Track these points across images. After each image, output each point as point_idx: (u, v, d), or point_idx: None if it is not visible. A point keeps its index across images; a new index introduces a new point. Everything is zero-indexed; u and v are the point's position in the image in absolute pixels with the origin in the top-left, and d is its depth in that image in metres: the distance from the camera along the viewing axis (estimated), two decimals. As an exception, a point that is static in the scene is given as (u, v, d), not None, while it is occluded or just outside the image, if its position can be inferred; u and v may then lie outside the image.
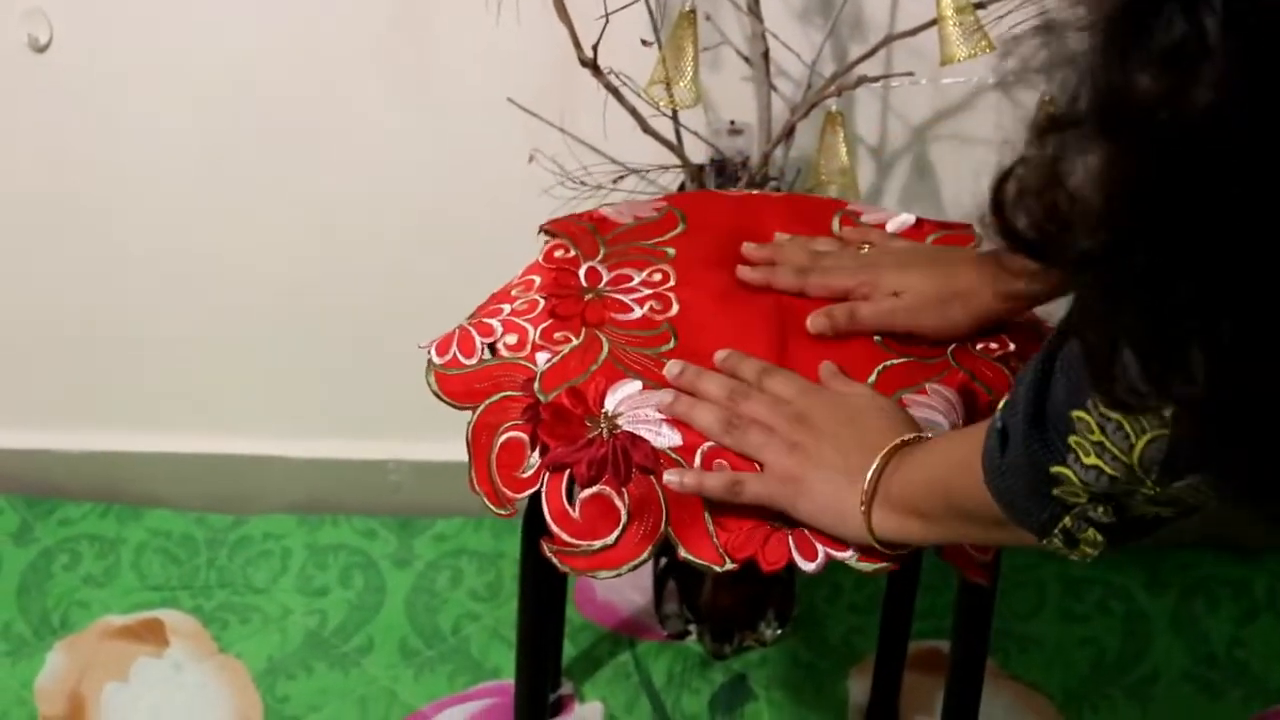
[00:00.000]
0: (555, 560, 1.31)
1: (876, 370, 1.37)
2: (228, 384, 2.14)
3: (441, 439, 2.07)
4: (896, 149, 1.90)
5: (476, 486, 1.36)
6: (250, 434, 2.17)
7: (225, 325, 2.09)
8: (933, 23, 1.61)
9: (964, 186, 1.90)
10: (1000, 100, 1.83)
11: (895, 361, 1.39)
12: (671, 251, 1.51)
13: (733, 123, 1.81)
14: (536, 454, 1.34)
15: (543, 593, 1.59)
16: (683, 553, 1.30)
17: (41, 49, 1.86)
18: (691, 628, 2.02)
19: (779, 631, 2.01)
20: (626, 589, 2.09)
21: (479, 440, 1.37)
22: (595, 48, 1.63)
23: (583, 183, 1.77)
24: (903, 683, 1.92)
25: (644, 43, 1.66)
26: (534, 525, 1.37)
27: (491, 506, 1.36)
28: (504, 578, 2.10)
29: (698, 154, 1.78)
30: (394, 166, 1.94)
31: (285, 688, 1.96)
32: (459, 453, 2.00)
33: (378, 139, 1.92)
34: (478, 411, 1.38)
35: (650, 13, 1.67)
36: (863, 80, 1.67)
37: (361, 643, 2.02)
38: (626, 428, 1.32)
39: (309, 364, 2.12)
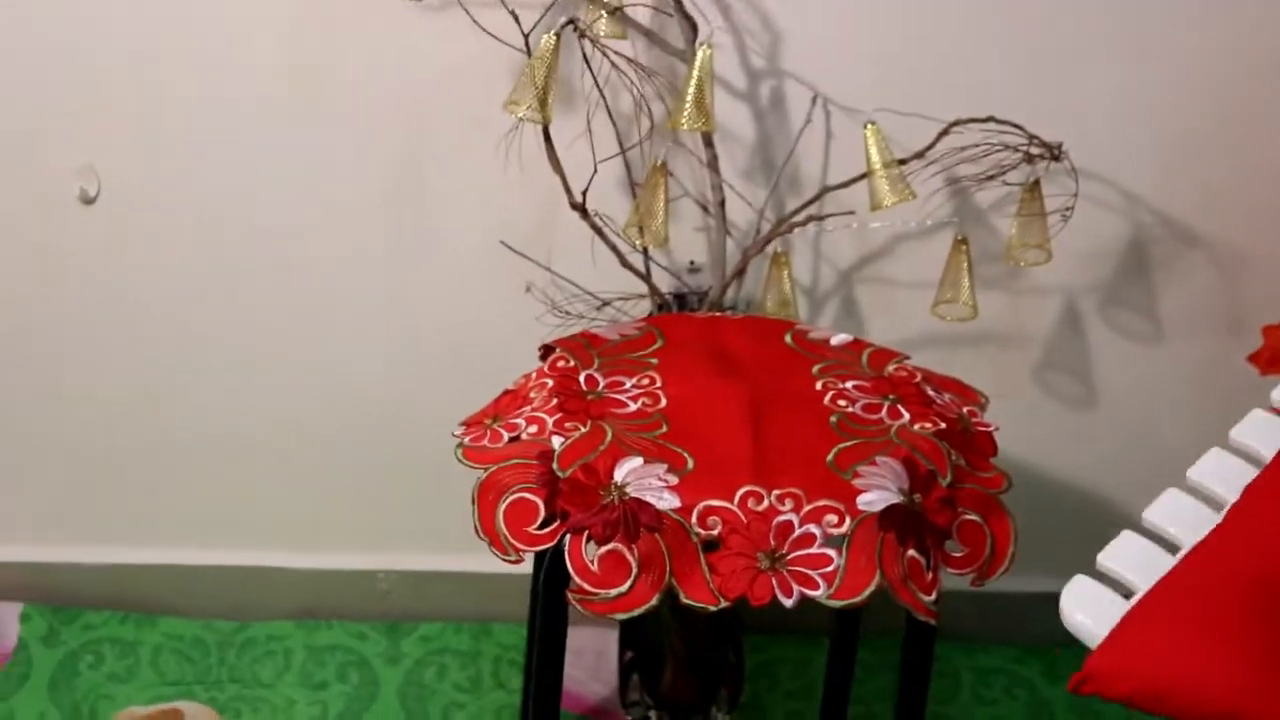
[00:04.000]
0: (579, 606, 1.59)
1: (834, 450, 1.67)
2: (233, 503, 2.41)
3: (426, 550, 2.37)
4: (827, 289, 2.21)
5: (481, 533, 1.64)
6: (253, 547, 2.43)
7: (233, 452, 2.37)
8: (863, 176, 1.93)
9: (886, 321, 2.22)
10: (916, 245, 2.15)
11: (848, 444, 1.69)
12: (655, 360, 1.82)
13: (692, 262, 2.13)
14: (551, 518, 1.63)
15: (554, 639, 1.85)
16: (684, 598, 1.59)
17: (90, 201, 2.15)
18: (652, 713, 2.28)
19: (729, 715, 2.28)
20: (589, 681, 2.36)
21: (484, 496, 1.65)
22: (584, 193, 1.95)
23: (567, 312, 2.08)
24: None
25: (633, 185, 1.98)
26: (554, 579, 1.65)
27: (497, 553, 1.64)
28: (483, 673, 2.36)
29: (664, 288, 2.09)
30: (401, 302, 2.23)
31: (297, 767, 2.22)
32: (442, 563, 2.30)
33: (385, 277, 2.22)
34: (489, 471, 1.66)
35: (625, 161, 2.00)
36: (810, 219, 1.99)
37: (361, 728, 2.28)
38: (634, 494, 1.61)
39: (307, 484, 2.39)
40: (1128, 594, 1.64)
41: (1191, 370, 2.21)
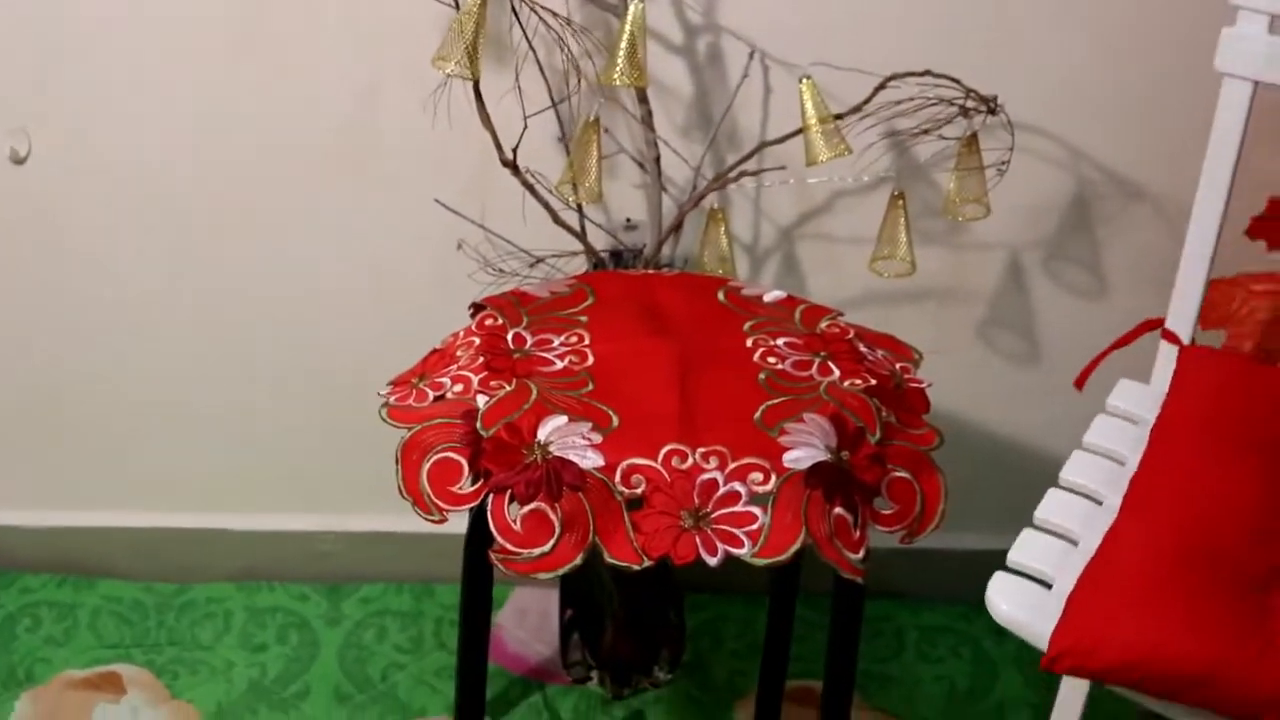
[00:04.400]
0: (501, 566, 1.58)
1: (761, 407, 1.66)
2: (172, 465, 2.38)
3: (367, 512, 2.36)
4: (767, 245, 2.19)
5: (405, 493, 1.62)
6: (193, 510, 2.41)
7: (169, 411, 2.34)
8: (799, 131, 1.91)
9: (826, 277, 2.20)
10: (855, 201, 2.13)
11: (776, 400, 1.67)
12: (584, 318, 1.80)
13: (629, 219, 2.11)
14: (475, 477, 1.61)
15: (480, 601, 1.84)
16: (608, 557, 1.57)
17: (20, 161, 2.12)
18: (593, 673, 2.27)
19: (671, 675, 2.27)
20: (533, 641, 2.34)
21: (408, 456, 1.64)
22: (515, 150, 1.92)
23: (501, 270, 2.06)
24: (782, 714, 2.19)
25: (558, 139, 1.96)
26: (477, 538, 1.64)
27: (420, 513, 1.63)
28: (424, 634, 2.35)
29: (600, 246, 2.07)
30: (334, 261, 2.21)
31: (234, 729, 2.20)
32: (383, 524, 2.28)
33: (322, 236, 2.19)
34: (413, 430, 1.65)
35: (558, 117, 1.97)
36: (742, 174, 1.97)
37: (299, 690, 2.25)
38: (557, 453, 1.59)
39: (246, 445, 2.37)
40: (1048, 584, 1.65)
41: (1134, 323, 2.19)
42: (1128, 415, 1.86)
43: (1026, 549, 1.69)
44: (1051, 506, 1.74)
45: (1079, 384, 1.97)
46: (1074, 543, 1.68)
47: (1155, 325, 1.94)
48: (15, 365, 2.31)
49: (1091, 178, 2.15)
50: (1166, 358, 1.92)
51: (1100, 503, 1.74)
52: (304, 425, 2.33)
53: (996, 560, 2.40)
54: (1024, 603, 1.63)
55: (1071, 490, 1.77)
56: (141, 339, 2.29)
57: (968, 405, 2.32)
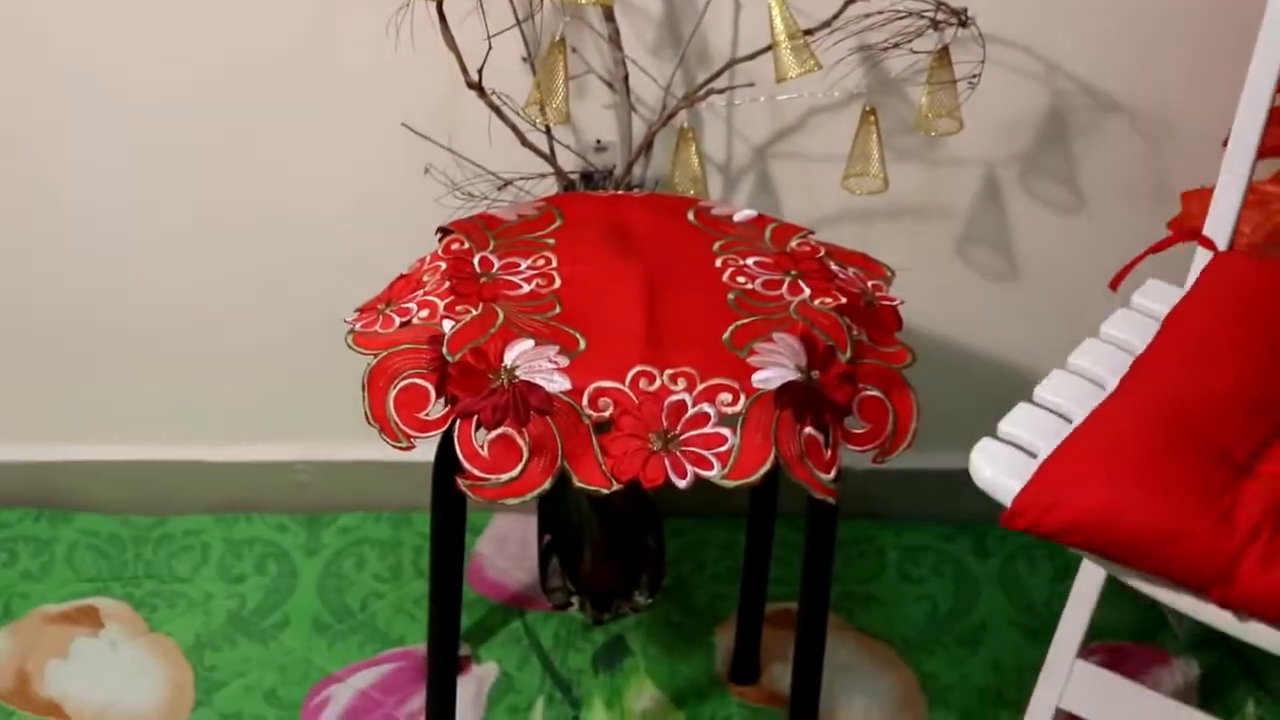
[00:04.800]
0: (469, 493, 1.57)
1: (730, 327, 1.64)
2: (146, 396, 2.37)
3: (344, 441, 2.34)
4: (741, 165, 2.17)
5: (372, 420, 1.61)
6: (168, 442, 2.40)
7: (143, 342, 2.32)
8: (768, 48, 1.89)
9: (800, 196, 2.18)
10: (829, 118, 2.11)
11: (745, 320, 1.65)
12: (552, 241, 1.78)
13: (599, 141, 2.09)
14: (443, 403, 1.60)
15: (451, 529, 1.82)
16: (576, 481, 1.56)
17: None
18: (574, 599, 2.26)
19: (651, 599, 2.26)
20: (513, 569, 2.34)
21: (375, 382, 1.62)
22: (480, 71, 1.90)
23: (470, 194, 2.04)
24: (762, 638, 2.19)
25: (524, 59, 1.93)
26: (445, 464, 1.62)
27: (388, 439, 1.61)
28: (403, 563, 2.34)
29: (570, 168, 2.05)
30: (302, 184, 2.19)
31: (213, 659, 2.18)
32: (361, 453, 2.27)
33: (289, 161, 2.17)
34: (379, 356, 1.63)
35: (524, 38, 1.95)
36: (710, 92, 1.95)
37: (278, 620, 2.25)
38: (524, 377, 1.57)
39: (220, 375, 2.35)
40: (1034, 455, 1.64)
41: (1115, 239, 2.17)
42: (1150, 313, 1.84)
43: (1018, 421, 1.69)
44: (1051, 384, 1.74)
45: (1114, 285, 1.93)
46: (1069, 420, 1.67)
47: (1194, 235, 1.92)
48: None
49: (1066, 90, 2.13)
50: (1200, 264, 1.90)
51: (1103, 387, 1.73)
52: (279, 355, 2.32)
53: (977, 479, 2.40)
54: (1006, 469, 1.63)
55: (1074, 373, 1.76)
56: (114, 272, 2.27)
57: (946, 323, 2.30)
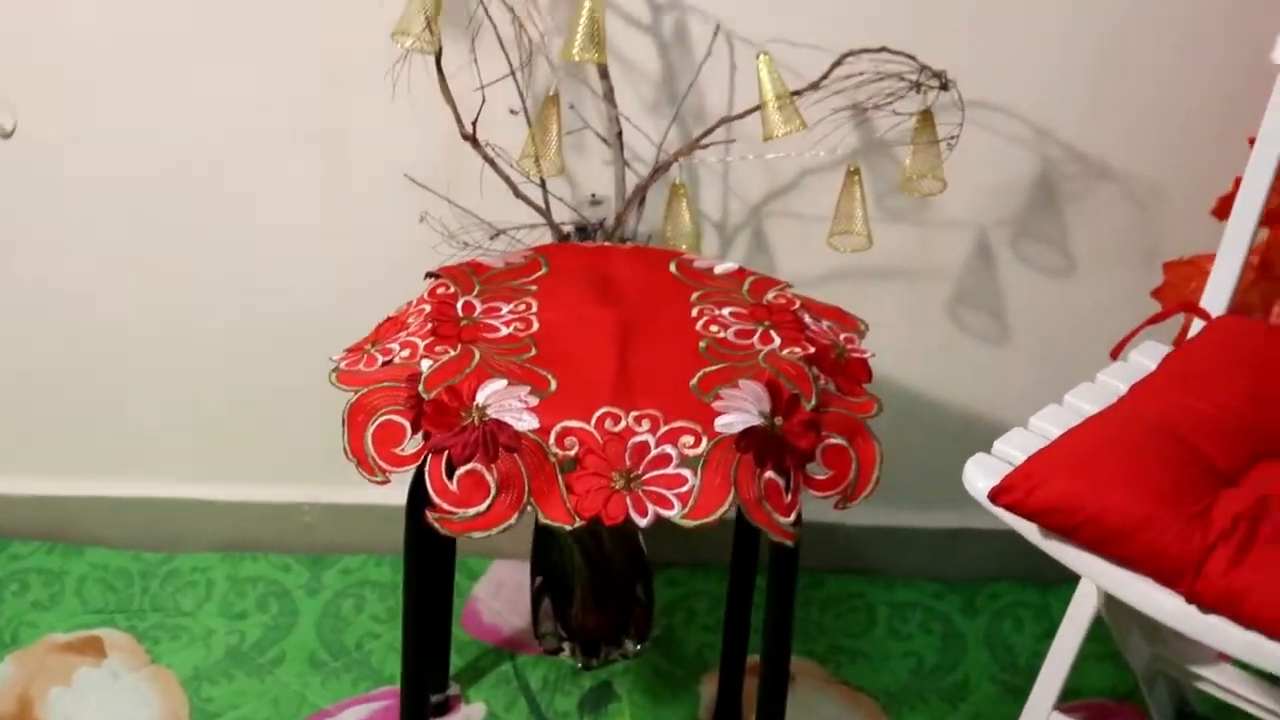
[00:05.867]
0: (437, 526, 1.62)
1: (699, 373, 1.69)
2: (159, 436, 2.44)
3: (350, 484, 2.37)
4: (737, 223, 2.23)
5: (350, 454, 1.67)
6: (179, 480, 2.46)
7: (157, 385, 2.40)
8: (758, 108, 1.94)
9: (794, 254, 2.23)
10: (823, 178, 2.16)
11: (713, 368, 1.70)
12: (534, 288, 1.84)
13: (594, 195, 2.15)
14: (418, 439, 1.65)
15: (424, 560, 1.88)
16: (542, 517, 1.61)
17: (7, 135, 2.18)
18: (565, 644, 2.30)
19: (640, 647, 2.30)
20: (508, 614, 2.39)
21: (354, 418, 1.68)
22: (474, 124, 1.96)
23: (465, 243, 2.10)
24: (744, 687, 2.22)
25: (511, 111, 1.99)
26: (418, 499, 1.67)
27: (364, 474, 1.67)
28: (401, 605, 2.39)
29: (565, 220, 2.11)
30: (304, 236, 2.26)
31: (209, 691, 2.24)
32: (365, 497, 2.33)
33: (292, 212, 2.25)
34: (359, 393, 1.69)
35: (520, 91, 2.01)
36: (695, 148, 2.01)
37: (276, 655, 2.30)
38: (494, 415, 1.63)
39: (232, 417, 2.42)
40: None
41: (1104, 303, 2.21)
42: (1144, 368, 1.90)
43: (1011, 440, 1.76)
44: (1046, 414, 1.82)
45: (1114, 354, 1.98)
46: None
47: (1188, 306, 1.96)
48: (7, 333, 2.36)
49: (1055, 156, 2.17)
50: (1196, 328, 1.96)
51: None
52: (287, 399, 2.38)
53: (968, 537, 2.44)
54: (997, 479, 1.70)
55: (1068, 408, 1.84)
56: (132, 313, 2.34)
57: (938, 383, 2.34)
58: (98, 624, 2.36)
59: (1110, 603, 1.93)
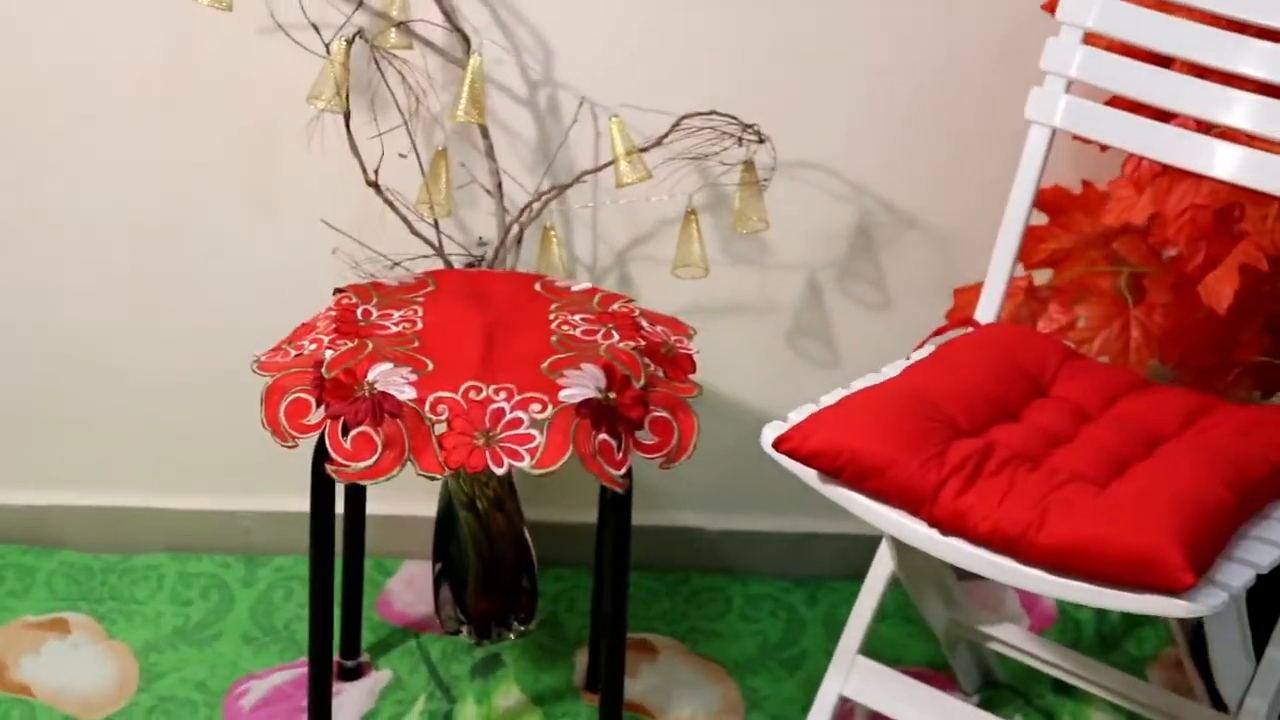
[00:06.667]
0: (335, 476, 2.03)
1: (550, 359, 2.11)
2: (121, 454, 2.86)
3: (282, 494, 2.79)
4: (605, 265, 2.65)
5: (266, 425, 2.08)
6: (136, 491, 2.88)
7: (117, 411, 2.82)
8: (610, 163, 2.38)
9: (655, 291, 2.64)
10: (673, 228, 2.57)
11: (562, 355, 2.12)
12: (421, 299, 2.27)
13: (480, 238, 2.58)
14: (321, 411, 2.06)
15: (326, 510, 2.27)
16: (418, 469, 2.02)
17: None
18: (463, 626, 2.70)
19: (525, 629, 2.69)
20: (416, 603, 2.78)
21: (270, 398, 2.09)
22: (376, 172, 2.40)
23: (370, 274, 2.52)
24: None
25: (401, 155, 2.43)
26: (320, 458, 2.08)
27: (279, 441, 2.09)
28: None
29: (455, 254, 2.54)
30: (233, 275, 2.72)
31: (156, 658, 2.64)
32: (298, 505, 2.70)
33: (227, 247, 2.70)
34: (274, 377, 2.10)
35: (410, 136, 2.46)
36: (548, 198, 2.44)
37: (215, 632, 2.70)
38: (381, 389, 2.04)
39: (181, 439, 2.83)
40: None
41: (915, 328, 2.58)
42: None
43: (801, 411, 2.13)
44: (834, 394, 2.18)
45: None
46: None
47: (967, 321, 2.36)
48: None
49: (871, 208, 2.60)
50: None
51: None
52: (228, 420, 2.74)
53: (816, 540, 2.83)
54: None
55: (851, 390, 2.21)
56: (91, 352, 2.79)
57: (778, 405, 2.72)
58: (64, 609, 2.75)
59: (904, 565, 2.33)
